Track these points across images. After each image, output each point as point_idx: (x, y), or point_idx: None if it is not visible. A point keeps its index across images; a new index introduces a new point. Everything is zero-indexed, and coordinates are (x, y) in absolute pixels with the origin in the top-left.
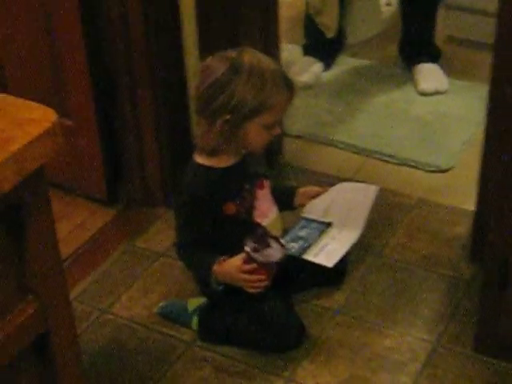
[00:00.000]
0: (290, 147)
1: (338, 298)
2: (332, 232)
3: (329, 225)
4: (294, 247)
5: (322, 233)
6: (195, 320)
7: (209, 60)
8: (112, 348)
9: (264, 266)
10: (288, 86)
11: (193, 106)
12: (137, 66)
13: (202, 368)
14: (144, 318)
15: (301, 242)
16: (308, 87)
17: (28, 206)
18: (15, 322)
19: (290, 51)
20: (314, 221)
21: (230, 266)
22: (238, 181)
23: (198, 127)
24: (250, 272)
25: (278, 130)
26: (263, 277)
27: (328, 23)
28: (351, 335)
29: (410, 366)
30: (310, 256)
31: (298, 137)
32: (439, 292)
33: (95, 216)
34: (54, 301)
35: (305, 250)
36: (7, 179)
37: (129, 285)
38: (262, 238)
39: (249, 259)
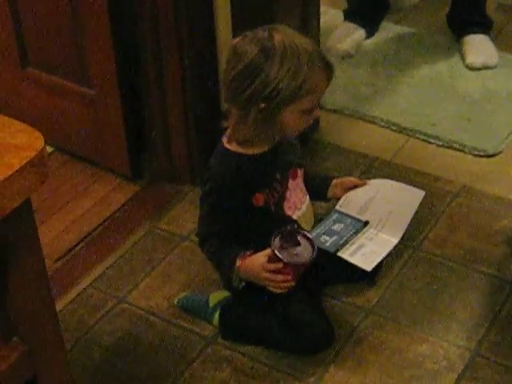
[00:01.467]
0: (325, 122)
1: (371, 296)
2: (369, 232)
3: (365, 224)
4: (327, 241)
5: (357, 231)
6: (217, 316)
7: (238, 41)
8: (127, 342)
9: (290, 267)
10: (326, 67)
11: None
12: (163, 32)
13: (222, 369)
14: (163, 310)
15: (335, 237)
16: (348, 56)
17: (12, 244)
18: None
19: (330, 16)
20: (348, 216)
21: (254, 263)
22: (269, 169)
23: (229, 116)
24: (275, 271)
25: (316, 113)
26: (289, 277)
27: None
28: (384, 338)
29: (445, 376)
30: (345, 254)
31: (335, 111)
32: (480, 293)
33: (117, 191)
34: (43, 344)
35: (340, 246)
36: None
37: (148, 271)
38: (291, 234)
39: (274, 257)
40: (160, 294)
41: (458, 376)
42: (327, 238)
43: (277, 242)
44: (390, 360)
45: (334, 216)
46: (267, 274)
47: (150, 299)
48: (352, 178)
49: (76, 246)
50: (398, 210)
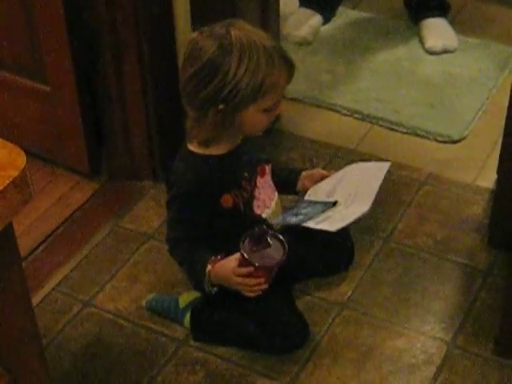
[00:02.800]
0: (286, 112)
1: (344, 290)
2: (337, 209)
3: (334, 204)
4: (292, 220)
5: (325, 210)
6: (188, 317)
7: (196, 36)
8: (96, 347)
9: (262, 269)
10: (286, 63)
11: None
12: (121, 25)
13: (196, 371)
14: (131, 312)
15: (301, 216)
16: (306, 43)
17: None
18: None
19: (285, 1)
20: (317, 201)
21: (225, 268)
22: (236, 169)
23: (187, 118)
24: (247, 275)
25: (279, 110)
26: (261, 280)
27: None
28: (359, 334)
29: (423, 370)
30: (310, 224)
31: (295, 100)
32: (454, 283)
33: (76, 190)
34: (28, 374)
35: (305, 221)
36: None
37: (114, 272)
38: (260, 236)
39: (245, 261)
40: (127, 295)
41: (437, 369)
42: (293, 218)
43: (246, 245)
44: (366, 356)
45: (303, 204)
46: (239, 279)
47: (117, 301)
48: (320, 170)
49: (36, 248)
50: (365, 184)
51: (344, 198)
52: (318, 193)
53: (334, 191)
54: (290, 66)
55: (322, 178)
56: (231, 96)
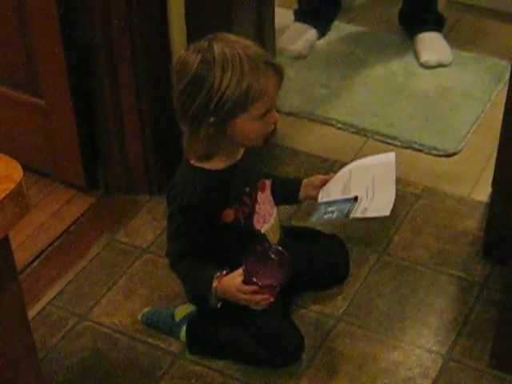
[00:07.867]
0: (281, 125)
1: (339, 303)
2: (364, 201)
3: (355, 199)
4: (332, 213)
5: (352, 206)
6: (183, 331)
7: (183, 53)
8: (91, 361)
9: (266, 287)
10: (272, 69)
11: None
12: (116, 38)
13: None
14: (127, 326)
15: (336, 212)
16: (301, 57)
17: None
18: None
19: (280, 16)
20: (335, 201)
21: (230, 285)
22: (237, 183)
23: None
24: (252, 292)
25: (274, 116)
26: (266, 295)
27: None
28: (355, 347)
29: (419, 383)
30: (357, 214)
31: (290, 114)
32: (449, 296)
33: (72, 203)
34: None
35: (346, 214)
36: None
37: (109, 286)
38: (263, 254)
39: (249, 281)
40: (123, 309)
41: (433, 382)
42: (330, 215)
43: (249, 264)
44: (362, 369)
45: (322, 207)
46: (245, 296)
47: (113, 315)
48: (320, 176)
49: (32, 262)
50: (379, 173)
51: (363, 191)
52: (330, 193)
53: (348, 188)
54: (277, 71)
55: (324, 182)
56: (219, 107)
